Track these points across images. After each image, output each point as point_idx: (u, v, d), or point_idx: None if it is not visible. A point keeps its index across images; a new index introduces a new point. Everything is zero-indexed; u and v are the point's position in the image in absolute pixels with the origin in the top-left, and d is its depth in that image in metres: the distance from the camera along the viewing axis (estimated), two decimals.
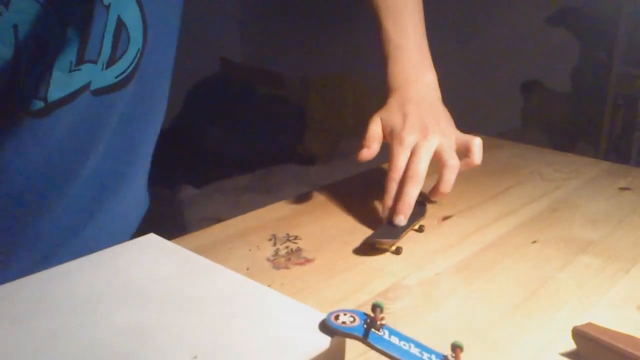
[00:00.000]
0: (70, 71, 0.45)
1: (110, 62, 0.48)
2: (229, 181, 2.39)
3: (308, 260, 0.56)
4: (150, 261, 0.42)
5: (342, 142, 2.62)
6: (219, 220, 0.65)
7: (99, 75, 0.47)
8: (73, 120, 0.48)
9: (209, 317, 0.36)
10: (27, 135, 0.47)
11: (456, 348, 0.36)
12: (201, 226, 0.62)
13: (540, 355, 0.43)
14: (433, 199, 0.65)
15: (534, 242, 0.60)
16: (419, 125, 0.63)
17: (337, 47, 2.77)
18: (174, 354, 0.33)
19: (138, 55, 0.49)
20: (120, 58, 0.48)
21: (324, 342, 0.34)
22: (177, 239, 0.57)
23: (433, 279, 0.53)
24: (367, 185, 0.73)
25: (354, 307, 0.47)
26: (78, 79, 0.46)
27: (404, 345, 0.35)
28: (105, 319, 0.36)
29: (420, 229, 0.62)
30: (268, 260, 0.56)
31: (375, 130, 0.65)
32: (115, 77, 0.49)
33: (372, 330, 0.35)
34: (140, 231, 0.63)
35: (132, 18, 0.47)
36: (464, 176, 0.64)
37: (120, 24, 0.47)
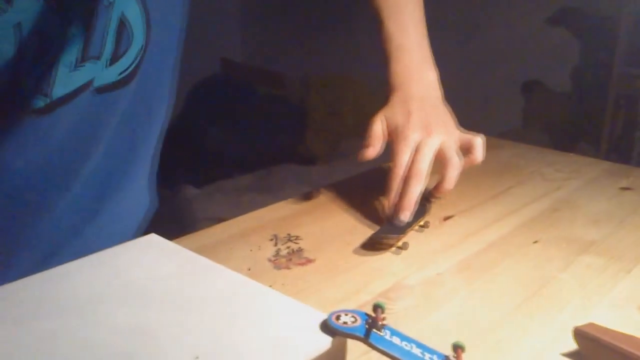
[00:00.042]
0: (73, 69, 0.45)
1: (113, 59, 0.48)
2: (230, 181, 2.39)
3: (309, 261, 0.56)
4: (151, 261, 0.42)
5: (343, 142, 2.62)
6: (220, 220, 0.65)
7: (101, 73, 0.47)
8: (74, 118, 0.48)
9: (210, 317, 0.36)
10: (29, 134, 0.47)
11: (458, 348, 0.36)
12: (202, 226, 0.62)
13: (542, 355, 0.43)
14: (436, 197, 0.65)
15: (536, 242, 0.60)
16: (421, 123, 0.64)
17: (338, 47, 2.77)
18: (175, 354, 0.33)
19: (140, 53, 0.49)
20: (122, 56, 0.48)
21: (325, 342, 0.34)
22: (178, 239, 0.57)
23: (434, 279, 0.53)
24: (368, 185, 0.73)
25: (355, 308, 0.47)
26: (80, 77, 0.46)
27: (406, 345, 0.35)
28: (106, 319, 0.35)
29: (425, 226, 0.62)
30: (269, 260, 0.56)
31: (378, 129, 0.65)
32: (118, 75, 0.49)
33: (374, 330, 0.35)
34: (141, 231, 0.63)
35: (134, 16, 0.47)
36: (465, 176, 0.64)
37: (123, 22, 0.47)
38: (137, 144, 0.57)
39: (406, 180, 0.61)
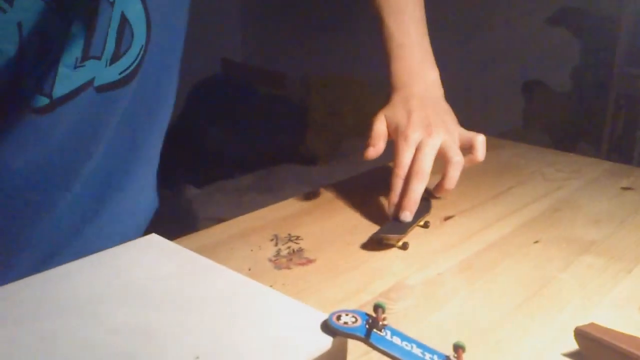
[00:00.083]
0: (74, 68, 0.45)
1: (114, 58, 0.48)
2: (231, 181, 2.39)
3: (310, 261, 0.56)
4: (151, 261, 0.42)
5: (343, 142, 2.62)
6: (220, 220, 0.65)
7: (102, 72, 0.47)
8: (75, 117, 0.48)
9: (210, 317, 0.36)
10: (29, 133, 0.47)
11: (458, 348, 0.36)
12: (202, 226, 0.62)
13: (543, 355, 0.43)
14: (437, 196, 0.65)
15: (536, 242, 0.60)
16: (423, 122, 0.64)
17: (338, 47, 2.77)
18: (175, 354, 0.33)
19: (141, 51, 0.49)
20: (124, 54, 0.48)
21: (326, 342, 0.34)
22: (179, 239, 0.57)
23: (435, 279, 0.53)
24: (369, 185, 0.73)
25: (355, 308, 0.47)
26: (81, 76, 0.46)
27: (406, 345, 0.35)
28: (107, 320, 0.35)
29: (426, 225, 0.63)
30: (270, 260, 0.56)
31: (380, 128, 0.66)
32: (119, 74, 0.49)
33: (374, 330, 0.35)
34: (141, 231, 0.63)
35: (136, 14, 0.47)
36: (465, 176, 0.64)
37: (124, 21, 0.47)
38: (137, 144, 0.57)
39: (408, 179, 0.62)
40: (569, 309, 0.48)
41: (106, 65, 0.48)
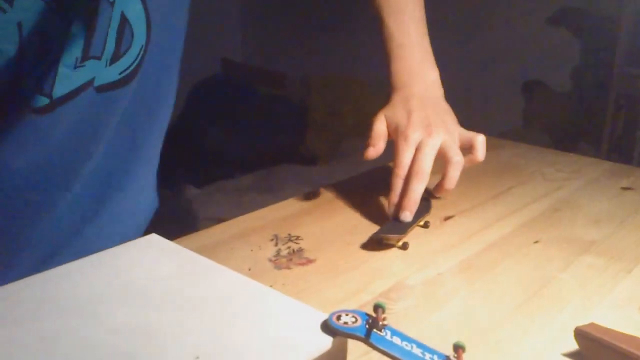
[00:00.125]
0: (75, 68, 0.45)
1: (114, 58, 0.48)
2: (231, 181, 2.39)
3: (310, 261, 0.56)
4: (151, 261, 0.42)
5: (343, 142, 2.63)
6: (220, 220, 0.65)
7: (102, 72, 0.47)
8: (75, 117, 0.48)
9: (210, 317, 0.36)
10: (29, 133, 0.47)
11: (458, 348, 0.36)
12: (202, 226, 0.62)
13: (543, 355, 0.43)
14: (438, 195, 0.66)
15: (536, 242, 0.60)
16: (423, 122, 0.64)
17: (338, 47, 2.77)
18: (175, 354, 0.33)
19: (141, 51, 0.49)
20: (124, 54, 0.48)
21: (326, 342, 0.34)
22: (179, 239, 0.57)
23: (435, 279, 0.53)
24: (369, 185, 0.73)
25: (356, 308, 0.47)
26: (81, 76, 0.46)
27: (406, 345, 0.35)
28: (107, 320, 0.35)
29: (426, 225, 0.63)
30: (270, 260, 0.56)
31: (380, 128, 0.66)
32: (119, 74, 0.49)
33: (374, 330, 0.35)
34: (142, 231, 0.63)
35: (136, 14, 0.47)
36: (465, 176, 0.64)
37: (124, 20, 0.47)
38: (137, 144, 0.57)
39: (408, 179, 0.62)
40: (569, 309, 0.48)
41: (106, 65, 0.48)
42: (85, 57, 0.46)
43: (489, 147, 0.67)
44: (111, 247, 0.44)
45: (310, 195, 0.71)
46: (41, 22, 0.43)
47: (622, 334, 0.41)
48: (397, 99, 0.68)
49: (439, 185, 0.63)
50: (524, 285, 0.52)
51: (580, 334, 0.41)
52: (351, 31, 2.60)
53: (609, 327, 0.42)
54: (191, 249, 0.44)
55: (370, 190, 0.71)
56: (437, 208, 0.66)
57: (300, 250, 0.58)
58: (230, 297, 0.39)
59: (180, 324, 0.35)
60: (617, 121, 1.97)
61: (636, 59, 1.88)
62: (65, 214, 0.54)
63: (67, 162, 0.51)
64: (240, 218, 0.65)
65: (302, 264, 0.55)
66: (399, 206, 0.61)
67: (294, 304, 0.38)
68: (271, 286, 0.46)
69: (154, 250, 0.44)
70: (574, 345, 0.42)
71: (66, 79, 0.45)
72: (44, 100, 0.45)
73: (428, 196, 0.65)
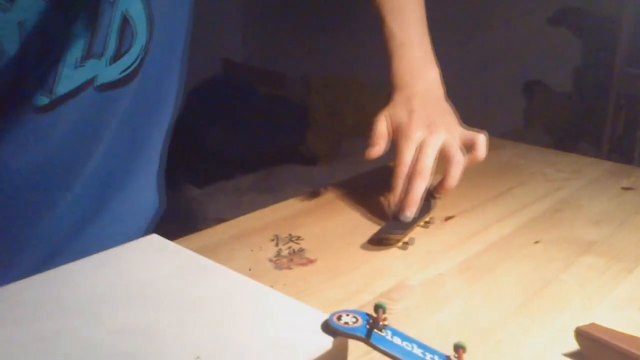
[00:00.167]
0: (76, 67, 0.45)
1: (115, 57, 0.48)
2: (231, 181, 2.39)
3: (310, 261, 0.56)
4: (152, 262, 0.42)
5: (344, 142, 2.63)
6: (220, 220, 0.65)
7: (103, 71, 0.48)
8: (76, 116, 0.48)
9: (211, 317, 0.36)
10: (30, 132, 0.47)
11: (459, 348, 0.36)
12: (203, 227, 0.62)
13: (543, 355, 0.43)
14: (439, 195, 0.66)
15: (537, 242, 0.60)
16: (424, 121, 0.64)
17: (339, 47, 2.77)
18: (176, 354, 0.33)
19: (142, 51, 0.49)
20: (125, 54, 0.48)
21: (326, 342, 0.34)
22: (179, 239, 0.57)
23: (436, 280, 0.53)
24: (370, 185, 0.73)
25: (356, 308, 0.47)
26: (83, 75, 0.46)
27: (407, 345, 0.35)
28: (108, 320, 0.35)
29: (427, 225, 0.63)
30: (270, 260, 0.56)
31: (381, 128, 0.66)
32: (120, 73, 0.49)
33: (375, 330, 0.35)
34: (142, 232, 0.63)
35: (137, 14, 0.47)
36: (466, 176, 0.64)
37: (125, 20, 0.47)
38: (138, 144, 0.57)
39: (410, 177, 0.62)
40: (570, 309, 0.48)
41: (107, 65, 0.48)
42: (86, 56, 0.46)
43: (490, 147, 0.67)
44: (112, 247, 0.44)
45: (311, 195, 0.71)
46: (42, 22, 0.43)
47: (623, 334, 0.41)
48: (398, 99, 0.68)
49: (441, 184, 0.64)
50: (524, 286, 0.52)
51: (581, 334, 0.41)
52: (351, 31, 2.60)
53: (609, 327, 0.42)
54: (192, 249, 0.44)
55: (370, 191, 0.71)
56: (438, 208, 0.66)
57: (301, 250, 0.58)
58: (231, 297, 0.39)
59: (181, 324, 0.35)
60: (617, 121, 1.96)
61: (637, 59, 1.88)
62: (66, 213, 0.54)
63: (68, 162, 0.51)
64: (241, 218, 0.65)
65: (303, 264, 0.55)
66: (402, 204, 0.61)
67: (294, 304, 0.38)
68: (272, 286, 0.46)
69: (154, 251, 0.44)
70: (574, 346, 0.42)
71: (67, 78, 0.45)
72: (44, 100, 0.45)
73: (429, 196, 0.65)
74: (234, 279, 0.41)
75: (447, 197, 0.68)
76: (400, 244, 0.58)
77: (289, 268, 0.54)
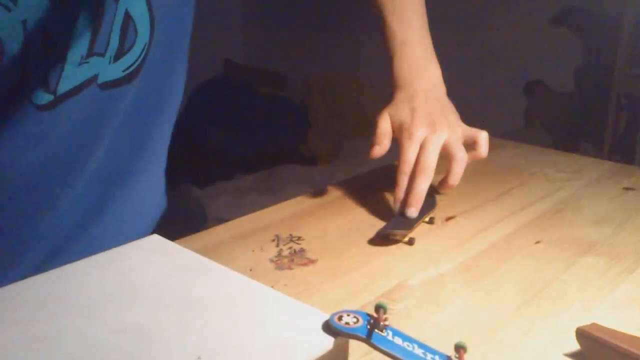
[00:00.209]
0: (79, 65, 0.45)
1: (118, 55, 0.48)
2: (232, 182, 2.39)
3: (311, 261, 0.56)
4: (153, 262, 0.42)
5: (345, 142, 2.63)
6: (221, 221, 0.65)
7: (106, 69, 0.48)
8: (78, 114, 0.48)
9: (212, 317, 0.36)
10: (32, 130, 0.47)
11: (460, 349, 0.36)
12: (204, 227, 0.62)
13: (544, 355, 0.43)
14: (442, 192, 0.66)
15: (538, 242, 0.60)
16: (427, 119, 0.65)
17: (339, 47, 2.77)
18: (177, 354, 0.33)
19: (145, 49, 0.49)
20: (127, 52, 0.48)
21: (327, 342, 0.34)
22: (180, 239, 0.57)
23: (437, 280, 0.53)
24: (370, 186, 0.73)
25: (357, 308, 0.47)
26: (85, 72, 0.46)
27: (408, 346, 0.35)
28: (109, 320, 0.36)
29: (431, 221, 0.63)
30: (271, 261, 0.56)
31: (384, 127, 0.66)
32: (122, 71, 0.49)
33: (376, 331, 0.35)
34: (149, 232, 0.62)
35: (140, 12, 0.48)
36: (467, 177, 0.64)
37: (128, 18, 0.47)
38: (140, 143, 0.57)
39: (413, 176, 0.62)
40: (570, 309, 0.48)
41: (110, 62, 0.48)
42: (89, 54, 0.46)
43: (490, 147, 0.67)
44: (116, 247, 0.44)
45: (312, 195, 0.71)
46: (45, 20, 0.43)
47: (624, 334, 0.41)
48: (400, 97, 0.68)
49: (444, 182, 0.64)
50: (525, 286, 0.52)
51: (582, 334, 0.41)
52: (351, 31, 2.60)
53: (610, 327, 0.42)
54: (192, 250, 0.44)
55: (371, 191, 0.71)
56: (439, 209, 0.66)
57: (302, 250, 0.58)
58: (232, 297, 0.39)
59: (182, 324, 0.35)
60: (618, 121, 1.96)
61: (637, 59, 1.88)
62: (67, 213, 0.54)
63: (69, 160, 0.51)
64: (242, 218, 0.65)
65: (304, 265, 0.55)
66: (405, 202, 0.62)
67: (295, 304, 0.38)
68: (272, 287, 0.46)
69: (155, 251, 0.44)
70: (575, 346, 0.42)
71: (69, 76, 0.46)
72: (46, 98, 0.45)
73: (433, 192, 0.66)
74: (234, 279, 0.41)
75: (448, 198, 0.68)
76: (406, 239, 0.59)
77: (290, 268, 0.54)
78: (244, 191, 2.30)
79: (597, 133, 1.99)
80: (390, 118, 0.67)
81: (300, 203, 0.69)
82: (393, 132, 0.67)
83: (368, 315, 0.36)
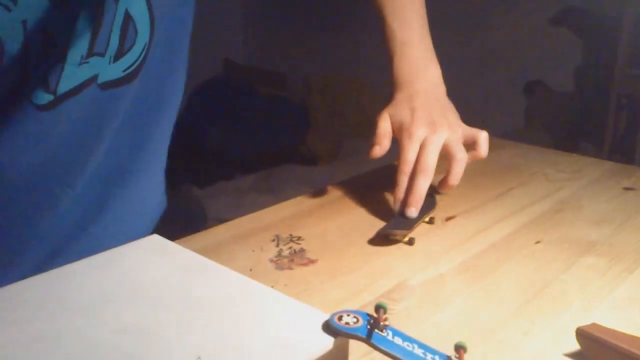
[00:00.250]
0: (79, 65, 0.46)
1: (118, 55, 0.48)
2: (232, 182, 2.39)
3: (311, 261, 0.56)
4: (153, 262, 0.42)
5: (345, 142, 2.63)
6: (221, 221, 0.65)
7: (106, 69, 0.48)
8: (78, 114, 0.48)
9: (212, 317, 0.36)
10: (32, 130, 0.47)
11: (460, 349, 0.36)
12: (204, 227, 0.62)
13: (544, 355, 0.43)
14: (442, 192, 0.66)
15: (538, 242, 0.60)
16: (427, 119, 0.65)
17: (339, 47, 2.77)
18: (177, 354, 0.33)
19: (145, 49, 0.49)
20: (127, 52, 0.48)
21: (327, 342, 0.34)
22: (180, 239, 0.57)
23: (437, 280, 0.53)
24: (370, 185, 0.73)
25: (357, 308, 0.47)
26: (85, 72, 0.46)
27: (408, 346, 0.35)
28: (109, 320, 0.36)
29: (431, 221, 0.63)
30: (271, 261, 0.56)
31: (384, 127, 0.66)
32: (122, 71, 0.49)
33: (376, 331, 0.35)
34: (149, 232, 0.62)
35: (140, 11, 0.48)
36: (467, 177, 0.64)
37: (128, 17, 0.47)
38: (141, 143, 0.57)
39: (413, 176, 0.63)
40: (570, 309, 0.48)
41: (110, 62, 0.48)
42: (89, 54, 0.46)
43: (490, 147, 0.67)
44: (116, 247, 0.44)
45: (312, 195, 0.71)
46: (45, 20, 0.43)
47: (624, 334, 0.41)
48: (400, 97, 0.68)
49: (444, 182, 0.64)
50: (525, 286, 0.52)
51: (582, 334, 0.41)
52: (351, 31, 2.60)
53: (610, 327, 0.42)
54: (192, 250, 0.44)
55: (371, 191, 0.71)
56: (439, 209, 0.66)
57: (302, 250, 0.58)
58: (232, 297, 0.39)
59: (182, 324, 0.35)
60: (618, 121, 1.96)
61: (638, 59, 1.88)
62: (67, 212, 0.54)
63: (69, 160, 0.51)
64: (242, 218, 0.65)
65: (304, 265, 0.55)
66: (405, 202, 0.62)
67: (295, 304, 0.38)
68: (272, 287, 0.46)
69: (155, 251, 0.44)
70: (575, 346, 0.42)
71: (69, 76, 0.46)
72: (46, 98, 0.45)
73: (433, 192, 0.66)
74: (234, 279, 0.41)
75: (448, 198, 0.68)
76: (406, 239, 0.59)
77: (290, 268, 0.54)
78: (244, 191, 2.30)
79: (597, 133, 1.99)
80: (390, 118, 0.67)
81: (300, 203, 0.69)
82: (393, 132, 0.67)
83: (368, 315, 0.36)
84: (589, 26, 2.01)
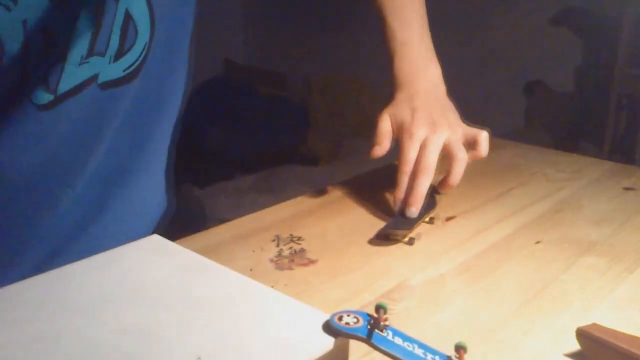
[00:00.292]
0: (79, 64, 0.46)
1: (118, 55, 0.48)
2: (232, 182, 2.39)
3: (311, 261, 0.56)
4: (153, 262, 0.42)
5: (345, 142, 2.63)
6: (222, 221, 0.65)
7: (106, 68, 0.48)
8: (78, 114, 0.48)
9: (212, 317, 0.36)
10: (32, 130, 0.47)
11: (460, 349, 0.36)
12: (204, 227, 0.62)
13: (544, 355, 0.43)
14: (442, 191, 0.66)
15: (538, 242, 0.60)
16: (427, 119, 0.65)
17: (339, 47, 2.77)
18: (177, 354, 0.33)
19: (145, 49, 0.49)
20: (127, 51, 0.48)
21: (328, 343, 0.34)
22: (180, 239, 0.57)
23: (437, 280, 0.53)
24: (371, 185, 0.73)
25: (358, 308, 0.47)
26: (85, 72, 0.46)
27: (408, 346, 0.35)
28: (109, 320, 0.36)
29: (431, 221, 0.63)
30: (271, 261, 0.56)
31: (385, 127, 0.66)
32: (123, 71, 0.49)
33: (376, 331, 0.35)
34: (150, 232, 0.62)
35: (140, 11, 0.48)
36: (467, 177, 0.64)
37: (128, 17, 0.47)
38: (141, 143, 0.57)
39: (414, 175, 0.63)
40: (570, 309, 0.48)
41: (110, 62, 0.48)
42: (89, 53, 0.46)
43: (490, 147, 0.67)
44: (116, 247, 0.44)
45: (312, 195, 0.71)
46: (46, 20, 0.43)
47: (624, 334, 0.41)
48: (400, 97, 0.68)
49: (444, 181, 0.64)
50: (525, 286, 0.52)
51: (582, 334, 0.41)
52: (351, 31, 2.60)
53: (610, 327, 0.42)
54: (193, 250, 0.44)
55: (371, 191, 0.71)
56: (439, 209, 0.66)
57: (302, 250, 0.58)
58: (232, 297, 0.39)
59: (182, 324, 0.35)
60: (618, 121, 1.97)
61: (638, 59, 1.88)
62: (67, 212, 0.54)
63: (69, 160, 0.51)
64: (242, 219, 0.65)
65: (304, 265, 0.55)
66: (405, 202, 0.62)
67: (295, 304, 0.38)
68: (273, 287, 0.46)
69: (155, 251, 0.44)
70: (575, 346, 0.42)
71: (70, 75, 0.46)
72: (47, 97, 0.45)
73: (433, 192, 0.66)
74: (235, 279, 0.41)
75: (448, 198, 0.68)
76: (406, 239, 0.59)
77: (290, 268, 0.54)
78: (244, 191, 2.30)
79: (597, 133, 1.99)
80: (391, 118, 0.67)
81: (300, 203, 0.69)
82: (393, 132, 0.67)
83: (368, 315, 0.36)
84: (589, 26, 2.01)
